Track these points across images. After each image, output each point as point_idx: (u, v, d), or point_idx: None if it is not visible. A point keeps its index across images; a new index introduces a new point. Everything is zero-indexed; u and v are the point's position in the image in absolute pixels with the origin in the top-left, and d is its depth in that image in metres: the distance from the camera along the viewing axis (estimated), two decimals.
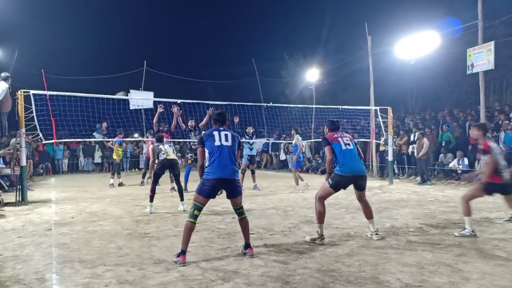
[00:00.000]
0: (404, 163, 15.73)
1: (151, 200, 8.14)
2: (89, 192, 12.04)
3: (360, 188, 5.71)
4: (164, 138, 9.06)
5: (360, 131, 17.51)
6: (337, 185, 5.58)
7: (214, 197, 4.87)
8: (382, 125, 14.33)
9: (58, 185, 14.62)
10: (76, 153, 22.09)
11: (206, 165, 4.89)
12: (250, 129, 12.35)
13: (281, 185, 13.32)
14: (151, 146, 8.97)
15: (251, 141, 12.02)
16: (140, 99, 18.21)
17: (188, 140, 11.91)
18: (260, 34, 40.38)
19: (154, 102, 16.32)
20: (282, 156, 21.75)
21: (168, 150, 8.45)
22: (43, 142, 13.76)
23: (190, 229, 4.69)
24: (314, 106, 18.36)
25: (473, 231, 5.74)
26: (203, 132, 6.13)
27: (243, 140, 12.08)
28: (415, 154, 14.13)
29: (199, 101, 13.36)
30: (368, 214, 5.79)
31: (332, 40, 27.57)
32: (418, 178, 13.86)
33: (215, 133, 4.92)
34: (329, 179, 5.61)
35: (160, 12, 44.84)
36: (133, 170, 22.54)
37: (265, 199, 9.88)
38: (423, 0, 22.11)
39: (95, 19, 37.43)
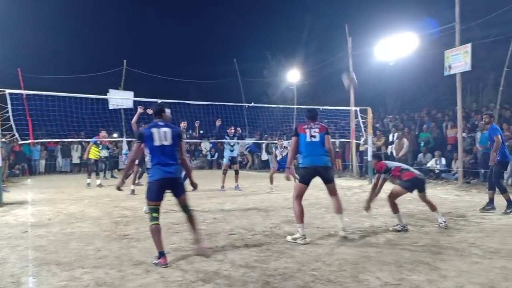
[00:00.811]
0: None
1: None
2: (67, 193, 11.82)
3: (327, 181, 5.78)
4: None
5: (340, 131, 17.65)
6: (303, 179, 5.69)
7: (163, 198, 4.91)
8: (362, 126, 14.48)
9: (35, 186, 14.32)
10: (54, 153, 21.67)
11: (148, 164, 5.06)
12: (232, 129, 12.23)
13: (262, 185, 13.32)
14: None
15: (231, 141, 11.93)
16: (120, 98, 17.97)
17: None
18: (242, 34, 40.32)
19: (134, 102, 16.16)
20: (264, 156, 21.77)
21: None
22: (19, 143, 13.45)
23: (157, 231, 4.68)
24: (295, 106, 18.46)
25: (405, 226, 6.19)
26: (140, 128, 6.17)
27: (224, 140, 12.04)
28: (394, 154, 14.34)
29: (180, 101, 13.28)
30: (337, 209, 5.87)
31: (313, 41, 27.71)
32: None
33: (154, 130, 4.81)
34: (297, 175, 5.73)
35: (141, 11, 44.41)
36: (113, 170, 22.23)
37: (246, 199, 9.88)
38: (402, 2, 22.43)
39: (74, 17, 36.87)
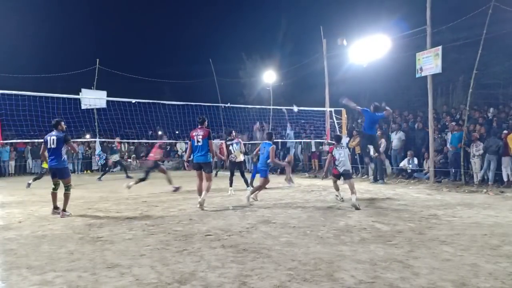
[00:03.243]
0: (357, 163, 16.17)
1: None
2: (38, 195, 11.50)
3: (205, 171, 8.54)
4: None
5: (316, 132, 17.80)
6: (195, 168, 8.69)
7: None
8: (336, 126, 14.66)
9: (4, 188, 13.89)
10: (24, 154, 21.08)
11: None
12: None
13: (239, 185, 13.30)
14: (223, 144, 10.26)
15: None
16: (93, 98, 17.62)
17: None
18: (218, 34, 40.31)
19: (107, 101, 15.89)
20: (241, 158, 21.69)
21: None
22: None
23: (53, 195, 8.13)
24: (271, 107, 18.52)
25: (342, 198, 9.29)
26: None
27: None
28: (371, 153, 14.61)
29: (154, 101, 13.15)
30: (205, 188, 8.49)
31: (288, 42, 27.85)
32: (371, 177, 14.29)
33: (48, 138, 7.89)
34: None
35: (115, 10, 43.65)
36: (85, 172, 21.83)
37: (223, 200, 9.85)
38: (375, 4, 22.83)
39: (45, 14, 35.91)
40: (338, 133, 14.07)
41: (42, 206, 9.21)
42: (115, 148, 17.42)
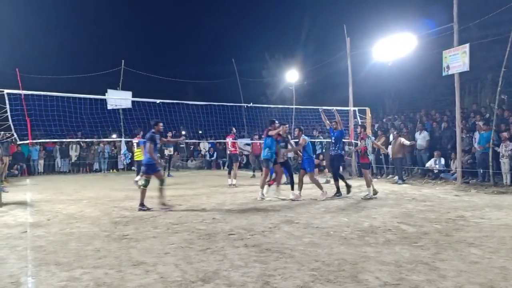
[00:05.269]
0: (382, 163, 15.95)
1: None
2: (66, 193, 11.80)
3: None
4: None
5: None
6: None
7: None
8: None
9: (34, 187, 14.29)
10: (53, 153, 21.63)
11: None
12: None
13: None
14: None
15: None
16: (118, 99, 17.94)
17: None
18: (240, 34, 40.40)
19: (133, 102, 16.14)
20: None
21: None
22: (18, 143, 13.39)
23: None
24: (294, 106, 18.43)
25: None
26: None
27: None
28: (390, 154, 14.43)
29: (178, 101, 13.27)
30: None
31: (311, 41, 27.74)
32: (396, 178, 14.08)
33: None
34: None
35: (139, 11, 44.40)
36: (111, 171, 22.23)
37: (245, 199, 9.87)
38: (400, 2, 22.46)
39: (73, 17, 36.83)
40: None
41: (70, 204, 9.45)
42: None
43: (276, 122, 9.93)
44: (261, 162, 10.73)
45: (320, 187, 9.84)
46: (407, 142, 14.03)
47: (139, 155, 13.19)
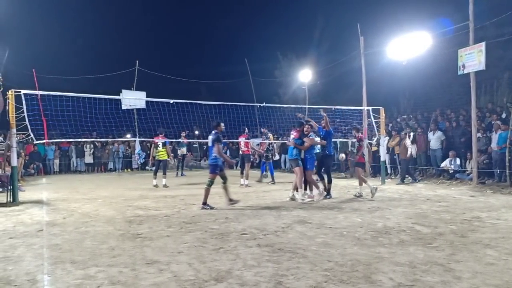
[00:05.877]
0: (396, 163, 15.81)
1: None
2: (81, 192, 11.96)
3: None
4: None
5: (351, 131, 17.54)
6: None
7: None
8: (374, 125, 14.39)
9: (50, 186, 14.50)
10: (68, 153, 21.93)
11: None
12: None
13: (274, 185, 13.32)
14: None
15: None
16: (133, 99, 18.13)
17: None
18: (253, 34, 40.49)
19: (147, 102, 16.28)
20: (276, 156, 21.70)
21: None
22: (34, 142, 13.62)
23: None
24: (307, 106, 18.38)
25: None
26: None
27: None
28: (399, 155, 14.32)
29: (191, 101, 13.34)
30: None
31: (324, 40, 27.62)
32: (410, 178, 13.93)
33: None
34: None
35: (153, 12, 44.73)
36: (125, 170, 22.43)
37: (258, 199, 9.88)
38: (415, 1, 22.24)
39: (87, 18, 37.25)
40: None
41: (85, 203, 9.57)
42: (182, 141, 18.14)
43: (305, 124, 9.73)
44: (290, 163, 11.02)
45: (317, 187, 9.71)
46: (409, 144, 13.81)
47: (164, 154, 13.28)
